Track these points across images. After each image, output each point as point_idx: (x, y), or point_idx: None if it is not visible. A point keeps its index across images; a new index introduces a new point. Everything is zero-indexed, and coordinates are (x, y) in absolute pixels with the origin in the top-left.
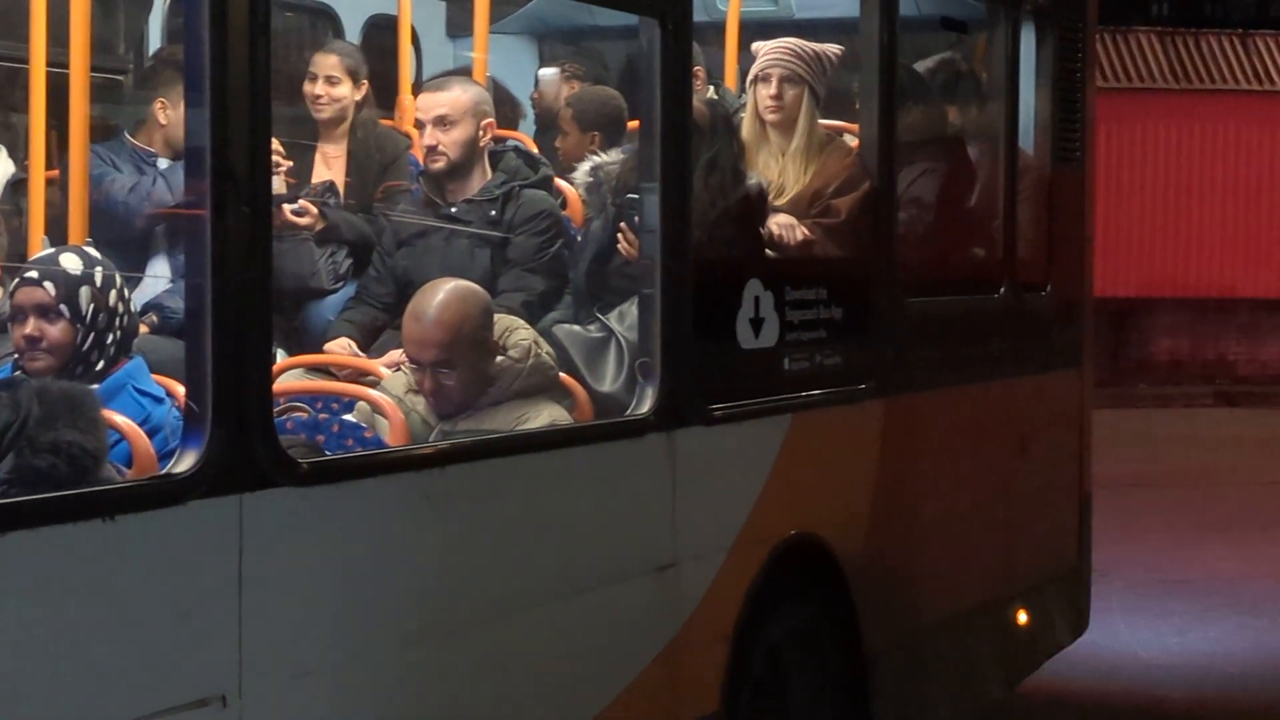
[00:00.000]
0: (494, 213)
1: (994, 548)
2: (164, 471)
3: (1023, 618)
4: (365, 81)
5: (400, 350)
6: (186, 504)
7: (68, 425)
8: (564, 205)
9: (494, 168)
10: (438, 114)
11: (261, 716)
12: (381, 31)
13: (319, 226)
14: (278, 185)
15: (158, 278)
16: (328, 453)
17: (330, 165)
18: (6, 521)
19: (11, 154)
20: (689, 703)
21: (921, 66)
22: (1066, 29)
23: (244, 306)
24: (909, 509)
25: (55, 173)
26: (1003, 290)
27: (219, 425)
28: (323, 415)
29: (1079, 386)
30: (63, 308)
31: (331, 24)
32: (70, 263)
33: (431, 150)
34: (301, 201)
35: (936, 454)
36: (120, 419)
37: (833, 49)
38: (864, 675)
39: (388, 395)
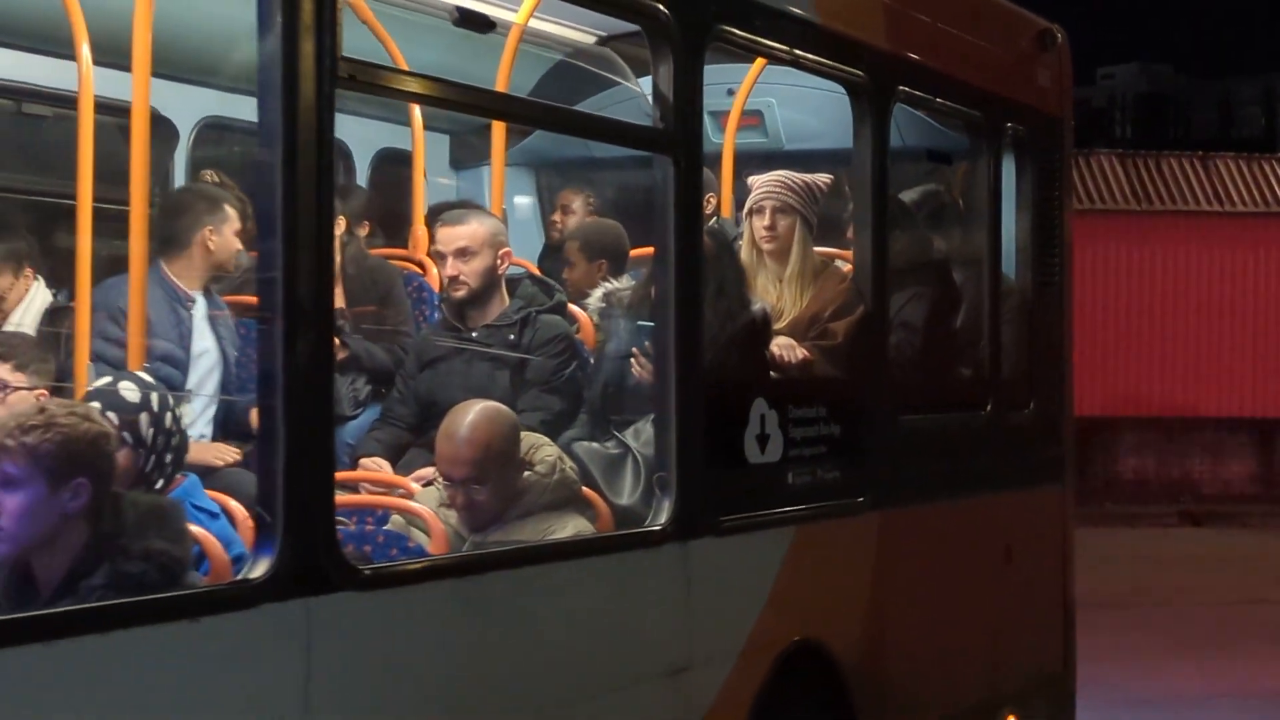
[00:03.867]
0: (512, 337)
1: (983, 655)
2: (241, 577)
3: None
4: (343, 217)
5: (428, 467)
6: (260, 607)
7: (157, 535)
8: (577, 329)
9: (511, 294)
10: (458, 246)
11: None
12: (389, 165)
13: (341, 354)
14: None
15: (209, 397)
16: (376, 561)
17: None
18: (110, 621)
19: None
20: None
21: (909, 196)
22: (1045, 158)
23: (311, 427)
24: (904, 617)
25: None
26: (988, 408)
27: (289, 534)
28: (369, 527)
29: (1061, 501)
30: (124, 435)
31: (343, 159)
32: (129, 390)
33: (453, 280)
34: None
35: (928, 564)
36: (198, 529)
37: (823, 179)
38: None
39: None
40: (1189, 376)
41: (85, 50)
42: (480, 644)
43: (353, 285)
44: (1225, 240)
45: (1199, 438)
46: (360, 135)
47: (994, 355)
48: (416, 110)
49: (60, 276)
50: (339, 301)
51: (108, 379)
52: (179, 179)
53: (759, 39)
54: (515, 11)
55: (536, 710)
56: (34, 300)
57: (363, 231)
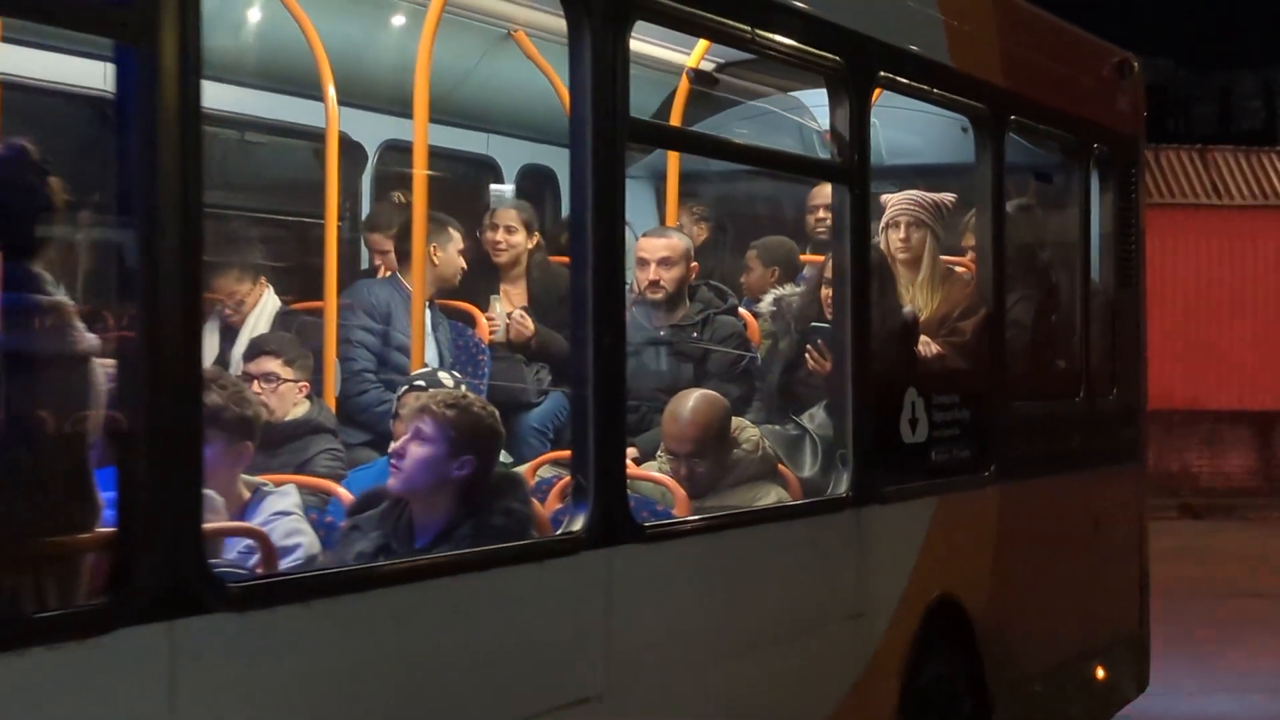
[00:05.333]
0: (695, 335)
1: (1078, 613)
2: (564, 531)
3: (1100, 673)
4: (537, 233)
5: (629, 447)
6: (579, 554)
7: (510, 497)
8: (744, 328)
9: (690, 299)
10: (661, 255)
11: (628, 712)
12: (529, 179)
13: (534, 337)
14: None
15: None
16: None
17: (513, 301)
18: (487, 562)
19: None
20: None
21: (1014, 207)
22: (1124, 173)
23: (612, 412)
24: (1018, 577)
25: (320, 304)
26: (1081, 395)
27: (598, 497)
28: None
29: (1138, 478)
30: None
31: (493, 172)
32: (446, 379)
33: (653, 284)
34: (518, 312)
35: (1036, 532)
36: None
37: (948, 197)
38: (988, 713)
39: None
40: (1188, 369)
41: (331, 90)
42: (721, 589)
43: (536, 288)
44: (1224, 233)
45: (1198, 430)
46: (505, 152)
47: (1085, 348)
48: None
49: (287, 284)
50: (524, 300)
51: (428, 369)
52: (366, 198)
53: (909, 81)
54: (688, 53)
55: (761, 645)
56: (266, 305)
57: (532, 241)
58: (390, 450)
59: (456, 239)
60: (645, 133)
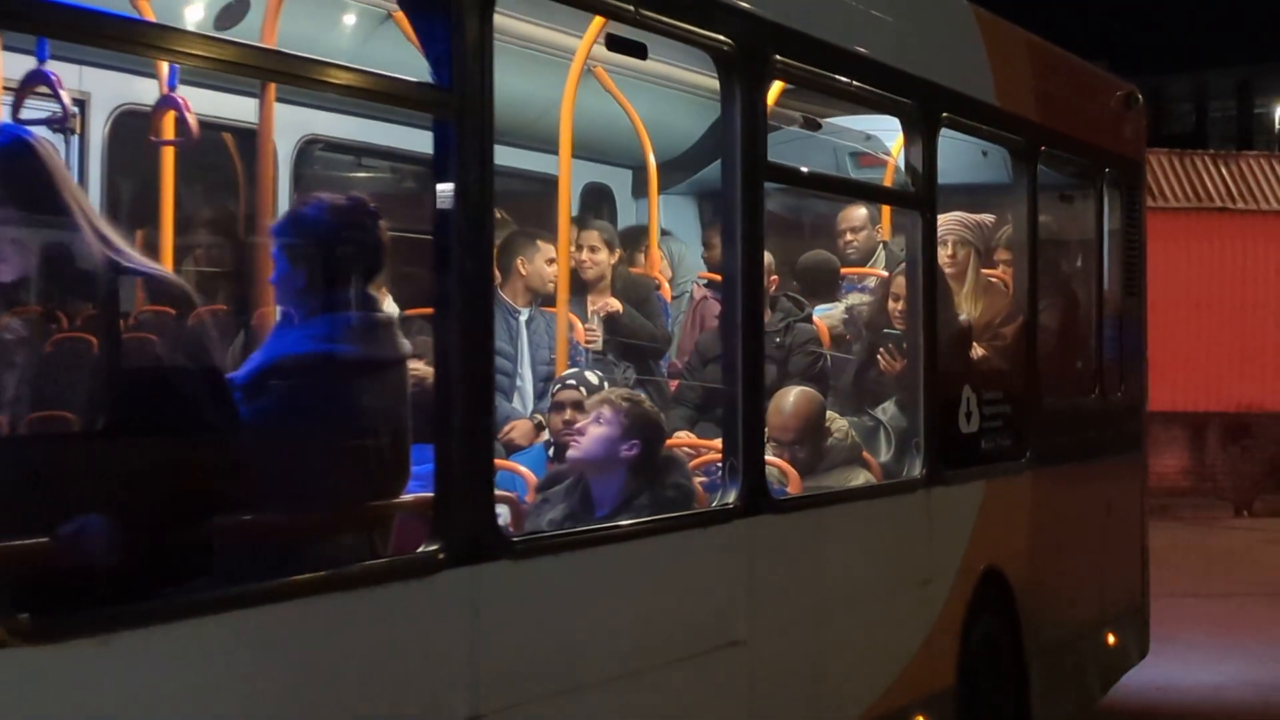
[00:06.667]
0: (778, 340)
1: (1094, 586)
2: (721, 503)
3: (1111, 639)
4: (619, 249)
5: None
6: (729, 523)
7: (676, 474)
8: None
9: (772, 309)
10: None
11: (766, 655)
12: (590, 195)
13: (624, 321)
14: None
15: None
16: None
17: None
18: (672, 526)
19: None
20: (940, 675)
21: (1041, 224)
22: (1129, 193)
23: (754, 403)
24: (1048, 552)
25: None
26: (1095, 393)
27: (745, 476)
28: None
29: (1141, 467)
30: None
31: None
32: (592, 377)
33: None
34: (603, 301)
35: (1062, 512)
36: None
37: (987, 217)
38: (1025, 671)
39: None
40: None
41: None
42: (833, 554)
43: (620, 297)
44: (1157, 235)
45: None
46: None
47: (1098, 350)
48: (650, 154)
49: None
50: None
51: (576, 368)
52: None
53: (968, 121)
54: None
55: (860, 603)
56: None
57: (614, 257)
58: (574, 428)
59: (544, 250)
60: (779, 173)
